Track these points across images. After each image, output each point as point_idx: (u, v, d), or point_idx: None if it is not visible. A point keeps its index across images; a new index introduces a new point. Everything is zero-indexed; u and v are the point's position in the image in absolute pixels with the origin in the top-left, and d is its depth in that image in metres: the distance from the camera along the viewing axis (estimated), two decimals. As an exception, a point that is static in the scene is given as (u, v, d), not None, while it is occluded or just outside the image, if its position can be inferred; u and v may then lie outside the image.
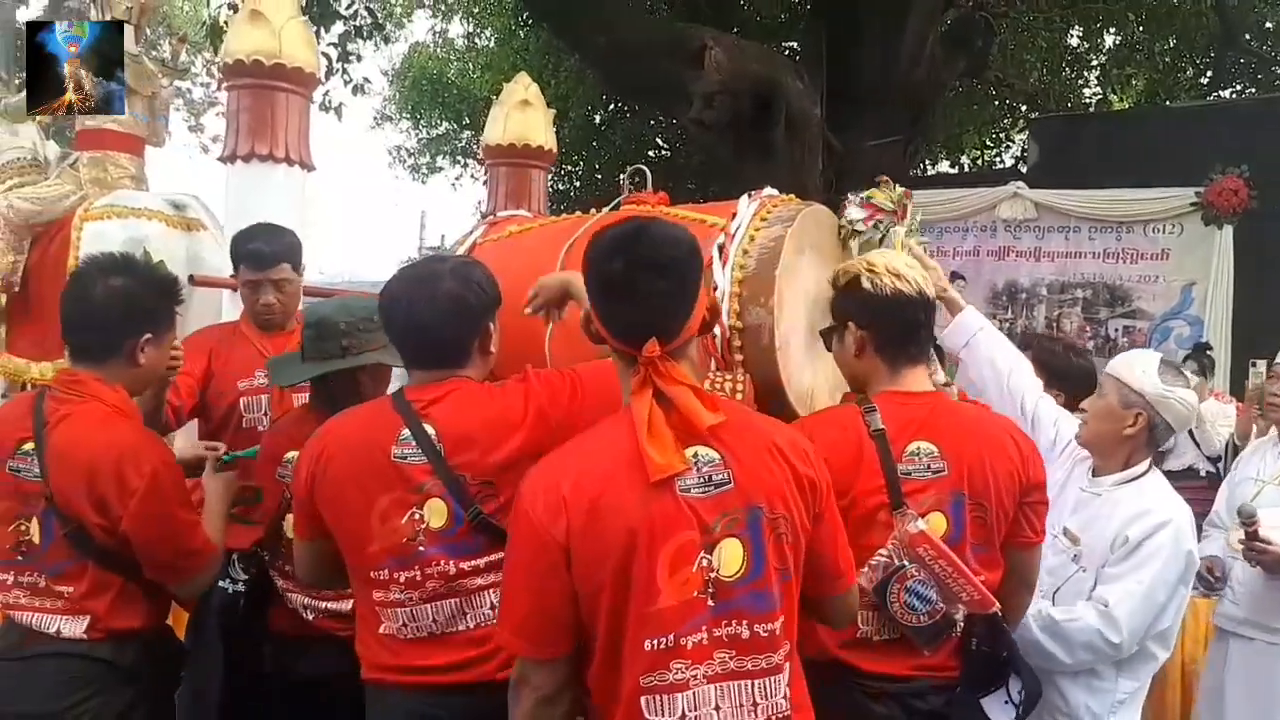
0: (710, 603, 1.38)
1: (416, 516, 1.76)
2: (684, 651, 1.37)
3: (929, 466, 1.80)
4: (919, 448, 1.81)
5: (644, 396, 1.41)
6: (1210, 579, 2.96)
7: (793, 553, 1.45)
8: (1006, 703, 1.88)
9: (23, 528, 1.97)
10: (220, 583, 2.71)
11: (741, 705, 1.40)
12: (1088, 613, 2.16)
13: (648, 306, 1.43)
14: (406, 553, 1.76)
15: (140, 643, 2.01)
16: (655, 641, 1.37)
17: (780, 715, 1.43)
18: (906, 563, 1.76)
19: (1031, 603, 2.09)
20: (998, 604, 1.82)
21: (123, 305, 2.02)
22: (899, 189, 2.56)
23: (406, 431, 1.77)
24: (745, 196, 2.55)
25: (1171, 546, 2.17)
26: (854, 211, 2.59)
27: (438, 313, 1.80)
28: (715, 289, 2.38)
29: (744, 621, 1.40)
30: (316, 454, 1.81)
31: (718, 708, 1.39)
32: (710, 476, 1.41)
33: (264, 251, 2.78)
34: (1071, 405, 2.67)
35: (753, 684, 1.40)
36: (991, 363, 2.53)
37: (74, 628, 1.95)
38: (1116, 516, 2.24)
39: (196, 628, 2.82)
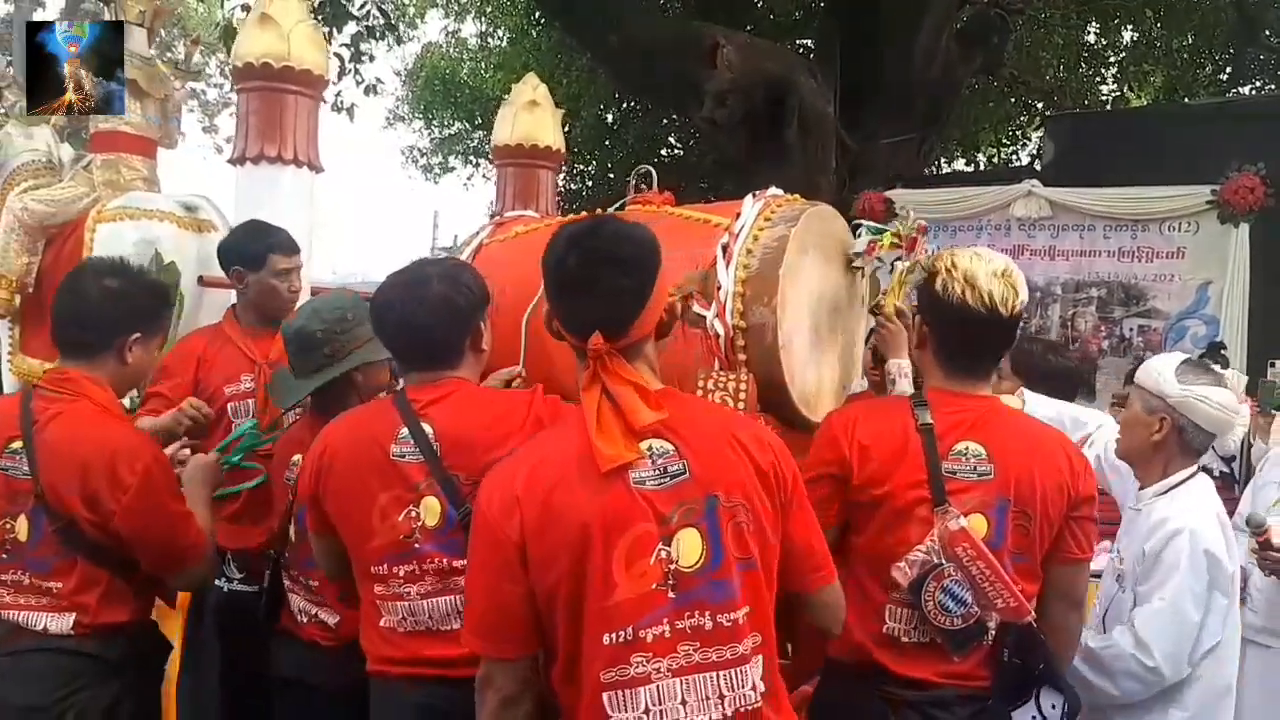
0: (671, 594, 1.37)
1: (413, 514, 1.80)
2: (644, 645, 1.37)
3: (975, 468, 1.77)
4: (967, 448, 1.77)
5: (593, 392, 1.41)
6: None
7: (756, 542, 1.43)
8: (1034, 717, 1.83)
9: (9, 526, 2.00)
10: (216, 581, 2.75)
11: (708, 697, 1.39)
12: (1122, 638, 2.10)
13: (598, 301, 1.43)
14: (405, 549, 1.81)
15: (126, 637, 2.04)
16: (614, 635, 1.37)
17: (749, 706, 1.41)
18: (944, 561, 1.73)
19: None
20: (1033, 614, 1.78)
21: (114, 303, 2.06)
22: (914, 221, 2.52)
23: (405, 430, 1.82)
24: (750, 196, 2.55)
25: (1190, 555, 2.09)
26: (858, 242, 2.58)
27: (428, 314, 1.85)
28: (718, 288, 2.38)
29: (706, 612, 1.39)
30: (320, 453, 1.87)
31: (684, 701, 1.38)
32: (665, 468, 1.40)
33: (289, 239, 2.86)
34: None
35: (718, 675, 1.39)
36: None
37: (61, 624, 1.98)
38: (1142, 529, 2.19)
39: (194, 627, 2.85)
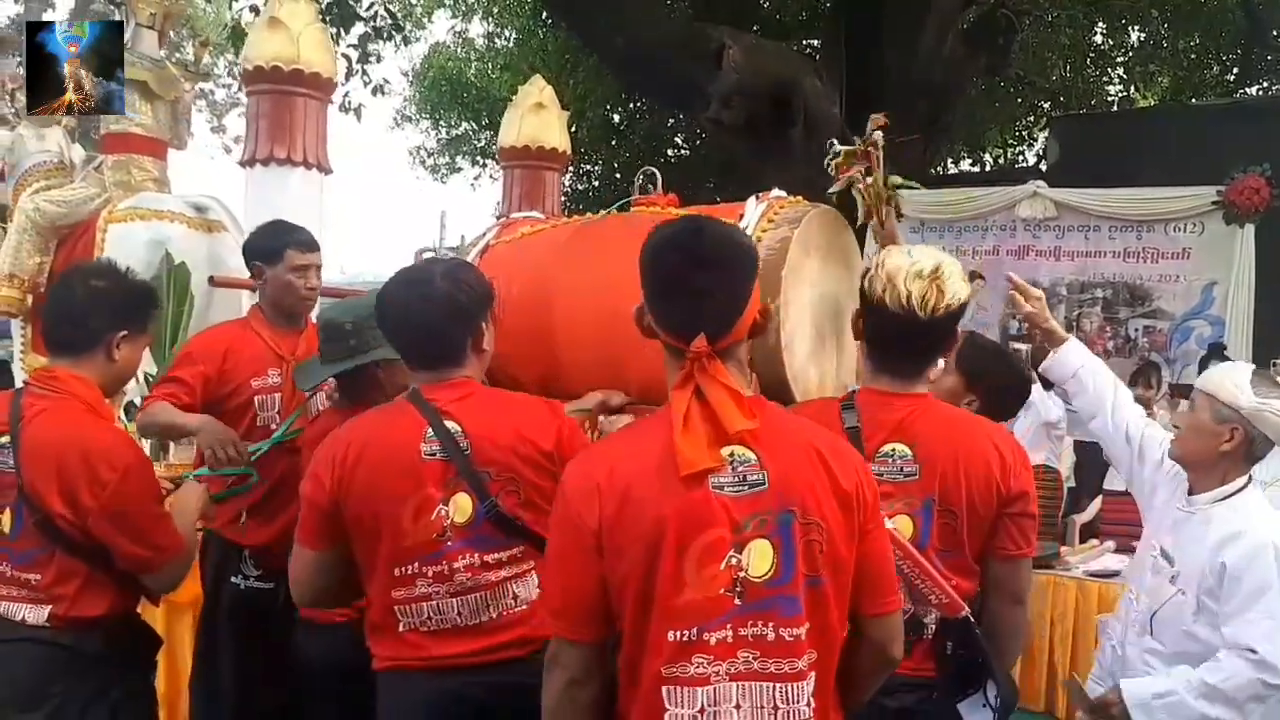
0: (737, 601, 1.38)
1: (443, 512, 1.85)
2: (707, 647, 1.38)
3: (901, 469, 1.78)
4: (893, 449, 1.79)
5: (684, 392, 1.42)
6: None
7: (826, 562, 1.42)
8: (984, 706, 1.85)
9: None
10: (232, 579, 2.78)
11: (762, 706, 1.39)
12: (1237, 665, 2.12)
13: (700, 303, 1.43)
14: (436, 548, 1.85)
15: (103, 630, 2.05)
16: (678, 634, 1.38)
17: None
18: None
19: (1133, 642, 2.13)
20: (967, 609, 1.80)
21: (100, 302, 2.10)
22: (870, 133, 2.54)
23: (431, 430, 1.85)
24: (753, 198, 2.58)
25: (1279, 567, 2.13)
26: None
27: (432, 313, 1.88)
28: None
29: (770, 623, 1.39)
30: (340, 459, 1.86)
31: (738, 705, 1.39)
32: (745, 476, 1.40)
33: (308, 239, 2.89)
34: (993, 409, 2.46)
35: (774, 686, 1.40)
36: (1097, 396, 2.51)
37: (37, 615, 2.01)
38: (1210, 537, 2.21)
39: (208, 625, 2.87)
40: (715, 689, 1.39)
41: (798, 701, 1.41)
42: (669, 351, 1.49)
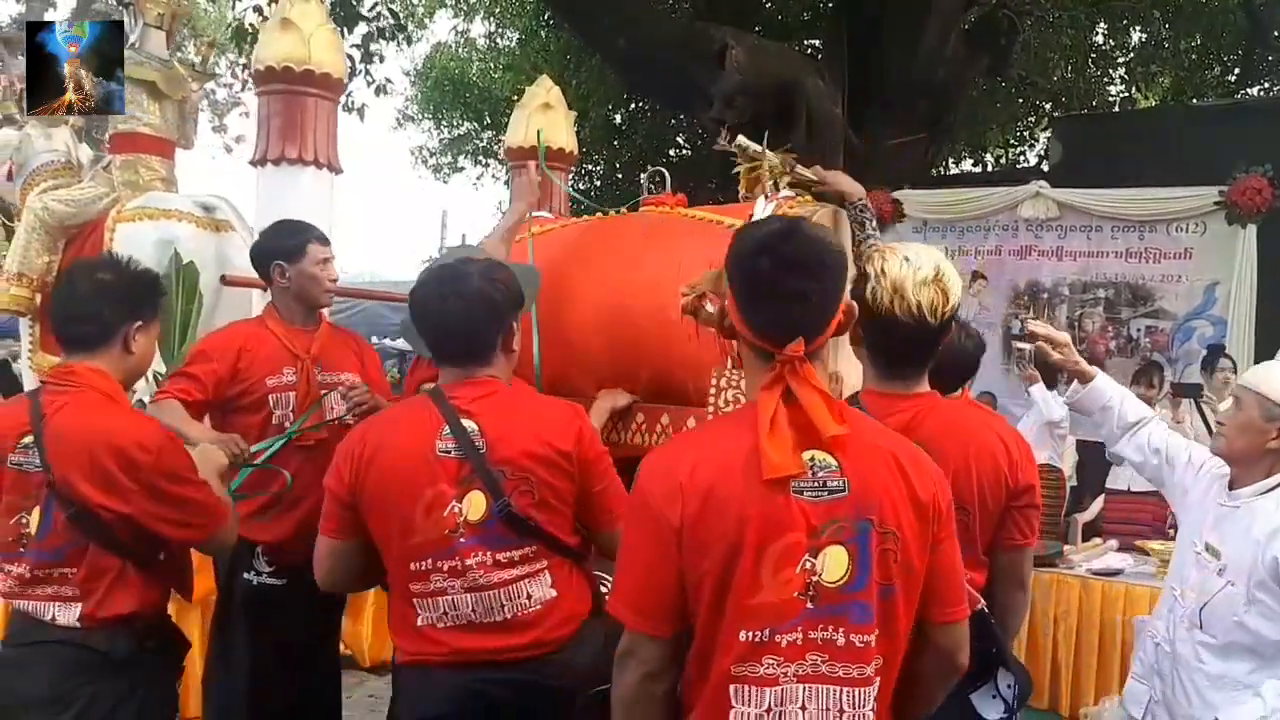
0: (809, 604, 1.39)
1: (456, 509, 1.87)
2: (778, 648, 1.39)
3: None
4: None
5: (772, 394, 1.42)
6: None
7: (900, 572, 1.43)
8: (995, 697, 1.88)
9: (24, 520, 2.03)
10: (245, 575, 2.79)
11: (828, 709, 1.40)
12: None
13: (793, 306, 1.44)
14: (448, 544, 1.88)
15: (134, 630, 2.05)
16: (751, 634, 1.39)
17: None
18: None
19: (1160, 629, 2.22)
20: (983, 601, 1.84)
21: (112, 294, 2.11)
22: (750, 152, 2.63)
23: (448, 428, 1.89)
24: (762, 197, 2.60)
25: None
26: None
27: (467, 309, 1.93)
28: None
29: (840, 629, 1.40)
30: (359, 453, 1.91)
31: (804, 707, 1.40)
32: (825, 482, 1.41)
33: (323, 234, 2.94)
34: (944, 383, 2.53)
35: (841, 691, 1.41)
36: (1127, 425, 2.60)
37: (68, 615, 2.01)
38: (1257, 528, 2.27)
39: (221, 622, 2.88)
40: (783, 690, 1.40)
41: (863, 706, 1.42)
42: (754, 352, 1.50)
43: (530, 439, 1.91)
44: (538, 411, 1.99)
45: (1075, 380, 2.62)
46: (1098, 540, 5.13)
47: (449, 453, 1.89)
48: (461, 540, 1.87)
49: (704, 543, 1.39)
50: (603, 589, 2.06)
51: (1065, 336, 2.60)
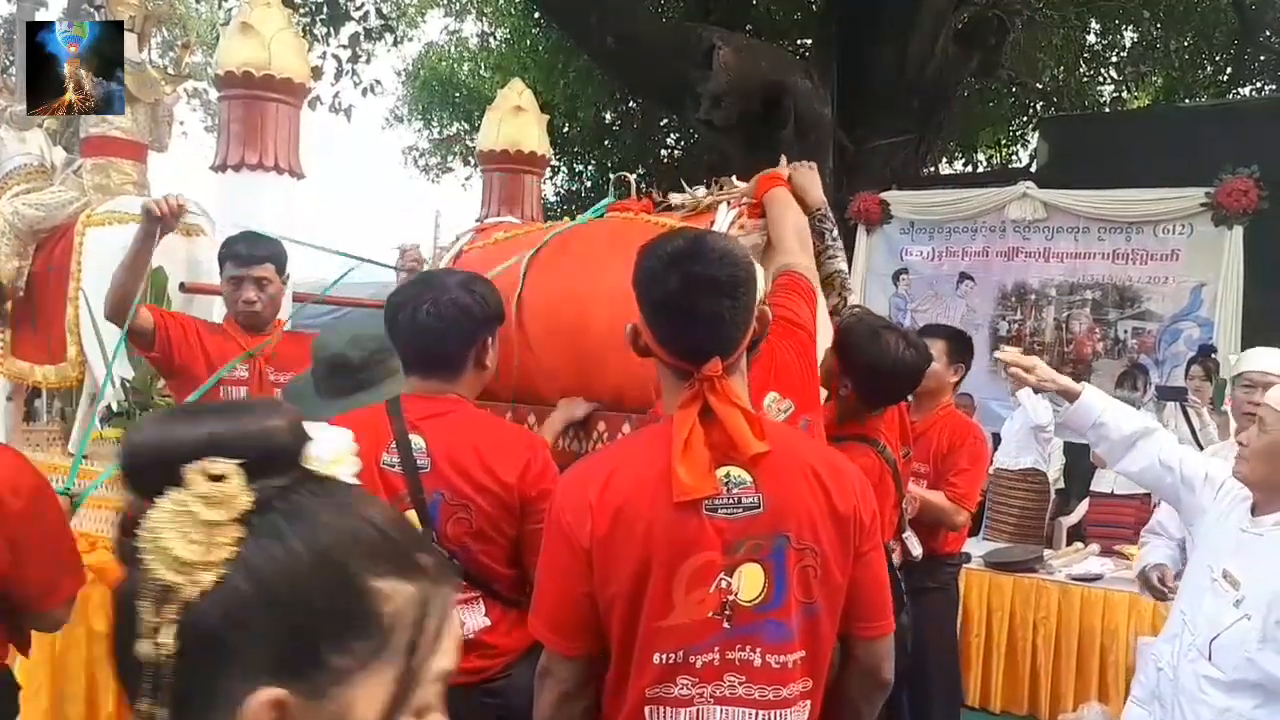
0: (726, 625, 1.36)
1: None
2: (693, 669, 1.36)
3: None
4: None
5: (689, 413, 1.38)
6: (1162, 588, 2.83)
7: (822, 587, 1.39)
8: None
9: None
10: None
11: None
12: None
13: (706, 325, 1.40)
14: None
15: None
16: (664, 656, 1.36)
17: None
18: None
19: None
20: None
21: None
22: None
23: (395, 441, 1.83)
24: (723, 205, 2.55)
25: None
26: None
27: (442, 318, 1.86)
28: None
29: (758, 649, 1.37)
30: None
31: None
32: (740, 499, 1.37)
33: (245, 252, 2.92)
34: (865, 395, 2.48)
35: (758, 714, 1.37)
36: (1121, 439, 2.42)
37: None
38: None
39: None
40: (699, 710, 1.37)
41: None
42: (670, 372, 1.46)
43: (475, 465, 1.84)
44: (490, 438, 1.90)
45: (1064, 398, 2.47)
46: (1079, 545, 5.11)
47: (393, 466, 1.83)
48: None
49: (613, 562, 1.36)
50: None
51: (1034, 360, 2.47)
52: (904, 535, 2.83)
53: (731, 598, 1.36)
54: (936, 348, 3.20)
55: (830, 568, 1.40)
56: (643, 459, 1.41)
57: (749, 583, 1.36)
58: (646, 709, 1.37)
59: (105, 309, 2.86)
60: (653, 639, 1.36)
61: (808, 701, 1.41)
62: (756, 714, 1.37)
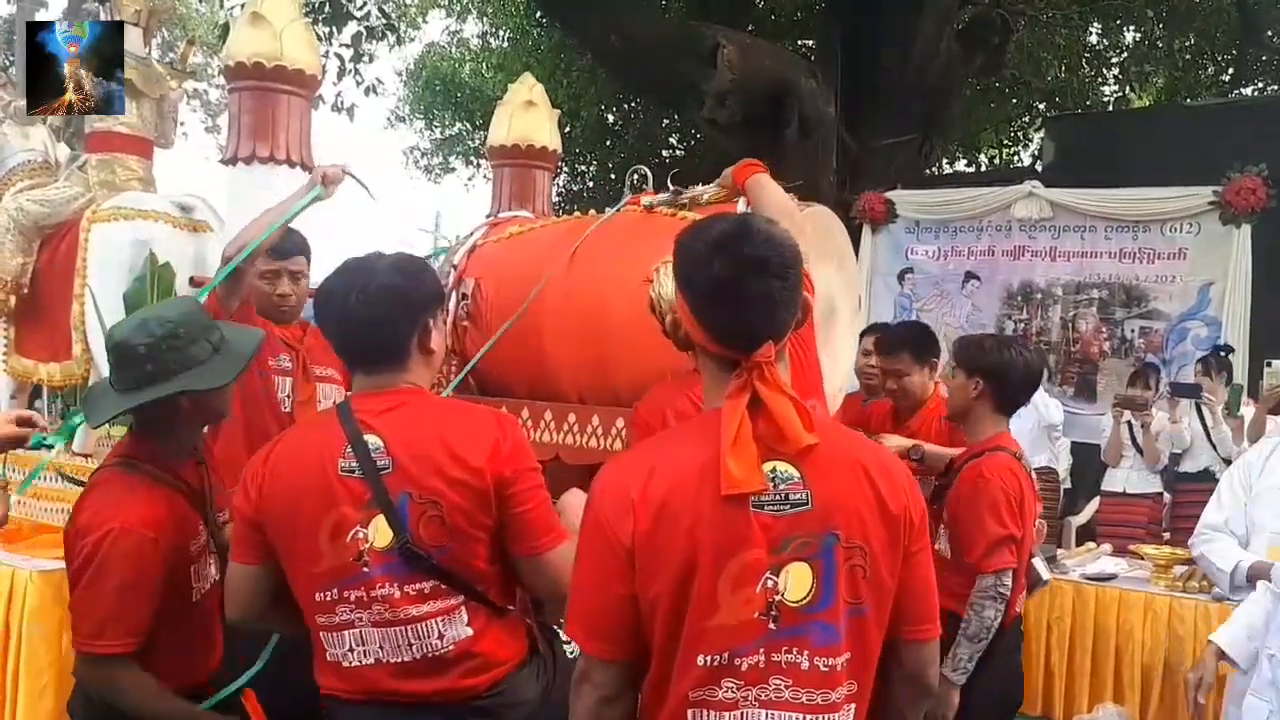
0: (772, 625, 1.31)
1: (360, 535, 1.68)
2: (738, 671, 1.31)
3: None
4: None
5: (738, 403, 1.32)
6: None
7: (870, 588, 1.34)
8: None
9: None
10: None
11: None
12: None
13: (757, 308, 1.34)
14: (351, 573, 1.68)
15: None
16: (709, 658, 1.31)
17: None
18: None
19: None
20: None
21: None
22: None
23: (350, 445, 1.70)
24: (742, 198, 2.53)
25: None
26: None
27: (371, 307, 1.71)
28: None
29: (805, 651, 1.32)
30: (261, 470, 1.74)
31: None
32: (787, 495, 1.32)
33: (280, 243, 2.83)
34: (1000, 399, 2.73)
35: (804, 718, 1.32)
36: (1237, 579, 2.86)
37: None
38: None
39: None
40: (743, 713, 1.32)
41: None
42: (714, 361, 1.40)
43: (440, 455, 1.68)
44: (451, 423, 1.73)
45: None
46: (1091, 544, 5.07)
47: (352, 472, 1.68)
48: (366, 569, 1.67)
49: (657, 562, 1.31)
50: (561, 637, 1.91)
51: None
52: (1033, 558, 2.78)
53: (778, 598, 1.31)
54: (903, 361, 3.20)
55: (879, 568, 1.35)
56: (686, 453, 1.35)
57: (796, 583, 1.32)
58: (689, 712, 1.32)
59: (227, 259, 2.71)
60: (697, 640, 1.31)
61: (853, 705, 1.36)
62: (803, 718, 1.32)
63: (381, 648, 1.69)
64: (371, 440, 1.69)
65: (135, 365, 1.95)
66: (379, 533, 1.67)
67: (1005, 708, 2.81)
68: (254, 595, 1.78)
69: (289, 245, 2.88)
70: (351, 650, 1.70)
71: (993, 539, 2.52)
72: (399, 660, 1.69)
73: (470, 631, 1.72)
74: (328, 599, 1.70)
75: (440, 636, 1.70)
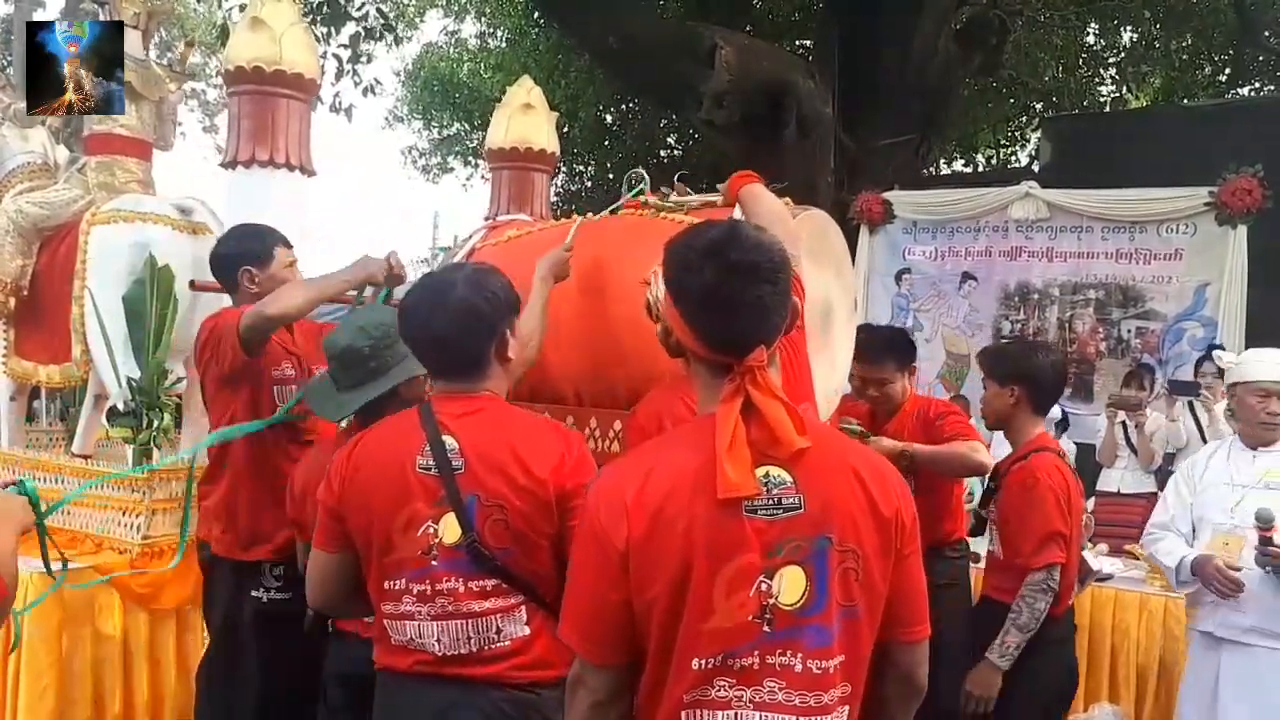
0: (766, 628, 1.32)
1: (431, 531, 1.79)
2: (732, 672, 1.32)
3: None
4: None
5: (732, 407, 1.34)
6: (1236, 577, 2.82)
7: (862, 591, 1.36)
8: None
9: None
10: (254, 592, 2.74)
11: None
12: None
13: (750, 313, 1.36)
14: (422, 565, 1.80)
15: None
16: (704, 661, 1.32)
17: None
18: None
19: None
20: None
21: None
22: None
23: (429, 444, 1.81)
24: (737, 209, 2.54)
25: None
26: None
27: (453, 323, 1.83)
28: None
29: (798, 654, 1.33)
30: (347, 463, 1.86)
31: None
32: (780, 499, 1.33)
33: (286, 237, 2.92)
34: (1036, 403, 2.88)
35: None
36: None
37: None
38: None
39: (228, 645, 2.80)
40: (736, 714, 1.33)
41: None
42: (706, 367, 1.42)
43: (509, 462, 1.79)
44: (522, 433, 1.85)
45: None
46: (1087, 544, 5.08)
47: (429, 470, 1.80)
48: (434, 563, 1.79)
49: (652, 566, 1.32)
50: None
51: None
52: (1082, 549, 2.90)
53: (772, 601, 1.32)
54: (887, 370, 3.20)
55: (872, 571, 1.36)
56: (680, 458, 1.37)
57: (790, 586, 1.33)
58: (684, 713, 1.34)
59: (266, 318, 2.67)
60: (692, 643, 1.32)
61: (846, 707, 1.37)
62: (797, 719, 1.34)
63: (439, 640, 1.80)
64: (449, 441, 1.80)
65: (360, 365, 2.27)
66: (448, 529, 1.79)
67: (1061, 697, 2.93)
68: (333, 582, 1.90)
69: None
70: (411, 640, 1.81)
71: (1042, 535, 2.65)
72: (456, 653, 1.80)
73: (528, 631, 1.81)
74: (396, 588, 1.81)
75: (499, 631, 1.80)
